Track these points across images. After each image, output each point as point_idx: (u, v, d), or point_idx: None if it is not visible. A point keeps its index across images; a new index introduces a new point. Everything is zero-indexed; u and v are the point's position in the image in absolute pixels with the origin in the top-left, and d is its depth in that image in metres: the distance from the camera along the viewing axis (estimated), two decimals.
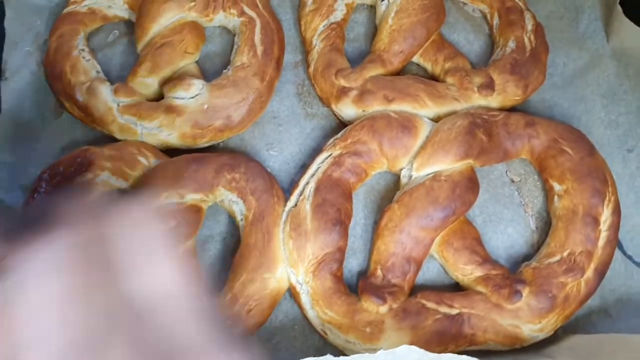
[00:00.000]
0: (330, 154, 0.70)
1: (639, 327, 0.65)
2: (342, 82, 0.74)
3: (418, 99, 0.72)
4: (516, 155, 0.71)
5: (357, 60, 0.78)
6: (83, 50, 0.77)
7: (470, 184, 0.67)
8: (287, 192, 0.71)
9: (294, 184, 0.71)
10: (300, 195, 0.68)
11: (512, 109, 0.75)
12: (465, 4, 0.82)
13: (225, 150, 0.75)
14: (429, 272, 0.69)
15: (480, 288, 0.64)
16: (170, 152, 0.73)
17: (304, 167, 0.73)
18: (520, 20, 0.77)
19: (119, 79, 0.78)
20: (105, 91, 0.73)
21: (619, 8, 0.74)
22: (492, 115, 0.71)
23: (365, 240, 0.71)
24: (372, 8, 0.81)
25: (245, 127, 0.75)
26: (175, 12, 0.76)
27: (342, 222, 0.67)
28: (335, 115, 0.76)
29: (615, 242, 0.67)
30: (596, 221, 0.66)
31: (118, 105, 0.72)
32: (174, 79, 0.74)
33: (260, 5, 0.78)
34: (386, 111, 0.72)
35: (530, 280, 0.64)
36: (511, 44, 0.76)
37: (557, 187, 0.69)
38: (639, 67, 0.75)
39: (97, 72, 0.76)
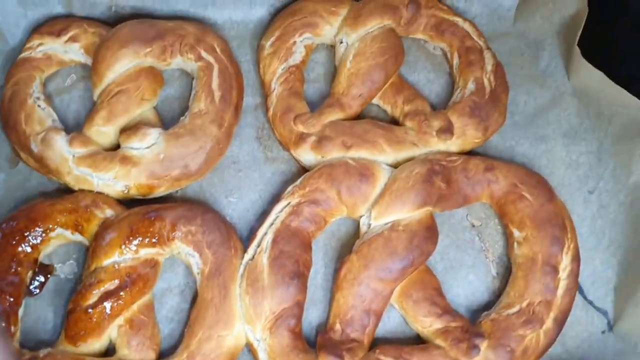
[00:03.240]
0: (289, 203, 0.69)
1: None
2: (301, 128, 0.73)
3: (376, 145, 0.72)
4: (476, 199, 0.71)
5: (318, 101, 0.78)
6: (38, 98, 0.76)
7: (428, 234, 0.67)
8: (247, 240, 0.70)
9: (253, 232, 0.70)
10: (258, 247, 0.68)
11: (472, 151, 0.75)
12: (426, 42, 0.82)
13: (183, 198, 0.75)
14: (390, 322, 0.69)
15: (439, 342, 0.64)
16: (128, 201, 0.72)
17: (264, 214, 0.72)
18: (479, 60, 0.76)
19: (76, 125, 0.78)
20: (60, 142, 0.72)
21: (577, 49, 0.74)
22: (450, 160, 0.70)
23: (325, 289, 0.70)
24: (332, 47, 0.81)
25: (203, 174, 0.74)
26: (131, 58, 0.75)
27: (300, 275, 0.66)
28: (295, 160, 0.75)
29: (575, 290, 0.66)
30: (555, 270, 0.65)
31: (73, 156, 0.71)
32: (130, 129, 0.73)
33: (218, 50, 0.77)
34: (344, 158, 0.71)
35: (489, 332, 0.64)
36: (470, 86, 0.75)
37: (516, 233, 0.69)
38: (599, 106, 0.75)
39: (53, 120, 0.75)
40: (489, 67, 0.76)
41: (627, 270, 0.69)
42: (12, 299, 0.66)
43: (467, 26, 0.79)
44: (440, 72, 0.81)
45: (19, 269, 0.67)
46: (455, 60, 0.79)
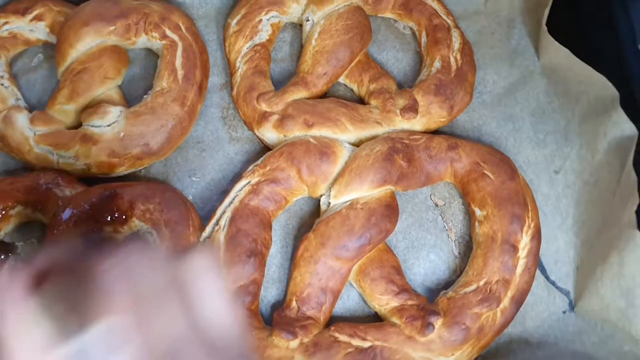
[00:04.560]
0: (249, 182, 0.69)
1: (559, 354, 0.64)
2: (264, 107, 0.72)
3: (339, 123, 0.71)
4: (439, 179, 0.70)
5: (285, 81, 0.77)
6: (2, 77, 0.76)
7: (387, 212, 0.66)
8: (202, 218, 0.70)
9: (212, 211, 0.70)
10: (216, 225, 0.67)
11: (438, 131, 0.74)
12: (395, 21, 0.81)
13: (147, 177, 0.74)
14: (349, 301, 0.68)
15: (394, 319, 0.63)
16: (90, 180, 0.72)
17: (223, 194, 0.72)
18: (446, 38, 0.75)
19: (41, 104, 0.77)
20: (21, 120, 0.72)
21: (544, 27, 0.72)
22: (413, 139, 0.70)
23: (286, 268, 0.69)
24: (300, 27, 0.80)
25: (165, 154, 0.73)
26: (94, 37, 0.74)
27: (257, 253, 0.65)
28: (259, 139, 0.75)
29: (534, 269, 0.66)
30: (514, 248, 0.65)
31: (34, 134, 0.71)
32: (91, 107, 0.72)
33: (183, 28, 0.76)
34: (307, 136, 0.71)
35: (445, 310, 0.63)
36: (437, 64, 0.75)
37: (478, 212, 0.68)
38: (567, 85, 0.74)
39: (17, 99, 0.75)
40: (456, 45, 0.76)
41: (589, 250, 0.68)
42: None
43: (435, 4, 0.78)
44: (409, 51, 0.80)
45: None
46: (423, 39, 0.78)
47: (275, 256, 0.70)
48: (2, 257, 0.70)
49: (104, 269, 0.37)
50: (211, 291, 0.39)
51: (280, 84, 0.77)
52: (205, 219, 0.70)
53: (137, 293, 0.36)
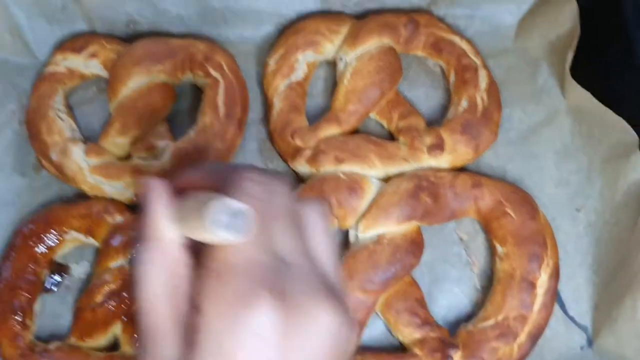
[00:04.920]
0: None
1: None
2: (298, 142, 0.77)
3: (367, 160, 0.75)
4: (463, 215, 0.74)
5: (319, 116, 0.82)
6: (60, 110, 0.82)
7: (412, 247, 0.70)
8: None
9: None
10: None
11: (463, 168, 0.78)
12: (426, 58, 0.84)
13: None
14: (375, 330, 0.72)
15: (416, 350, 0.67)
16: (136, 207, 0.78)
17: None
18: (474, 78, 0.79)
19: (95, 135, 0.84)
20: (77, 152, 0.78)
21: (567, 70, 0.75)
22: (439, 176, 0.73)
23: None
24: (334, 64, 0.84)
25: None
26: (144, 75, 0.80)
27: None
28: (293, 171, 0.79)
29: (551, 306, 0.69)
30: (532, 286, 0.68)
31: (89, 165, 0.77)
32: (140, 141, 0.78)
33: (225, 67, 0.82)
34: (337, 172, 0.75)
35: (464, 343, 0.67)
36: (464, 103, 0.78)
37: (499, 249, 0.71)
38: (590, 126, 0.76)
39: (73, 131, 0.81)
40: (483, 85, 0.79)
41: (606, 289, 0.70)
42: (28, 296, 0.73)
43: (464, 44, 0.81)
44: (438, 88, 0.84)
45: (36, 268, 0.74)
46: (452, 78, 0.81)
47: None
48: (58, 277, 0.77)
49: (246, 176, 0.40)
50: (324, 236, 0.43)
51: (315, 118, 0.81)
52: None
53: (268, 203, 0.40)
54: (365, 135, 0.78)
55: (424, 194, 0.71)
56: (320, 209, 0.43)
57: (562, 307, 0.71)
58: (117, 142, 0.79)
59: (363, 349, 0.69)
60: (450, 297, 0.73)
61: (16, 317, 0.72)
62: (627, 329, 0.65)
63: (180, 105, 0.85)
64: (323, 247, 0.42)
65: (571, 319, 0.71)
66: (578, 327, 0.71)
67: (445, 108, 0.82)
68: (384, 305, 0.70)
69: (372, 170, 0.75)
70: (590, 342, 0.70)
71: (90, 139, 0.83)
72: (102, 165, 0.77)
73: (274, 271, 0.38)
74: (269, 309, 0.36)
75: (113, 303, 0.71)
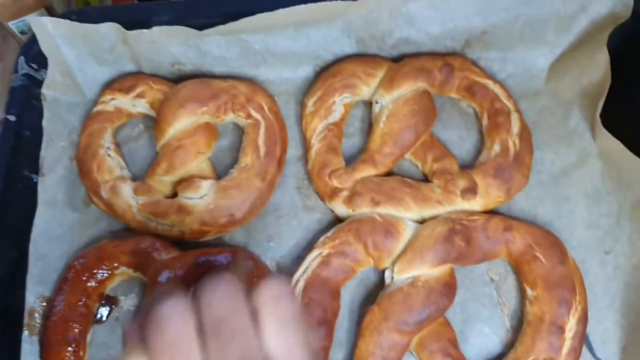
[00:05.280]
0: (320, 253, 0.77)
1: None
2: (335, 183, 0.81)
3: (403, 202, 0.78)
4: (494, 257, 0.76)
5: (354, 155, 0.85)
6: (109, 148, 0.87)
7: (445, 290, 0.73)
8: None
9: (287, 277, 0.78)
10: None
11: (495, 209, 0.80)
12: (459, 99, 0.87)
13: (231, 241, 0.84)
14: None
15: None
16: (180, 242, 0.82)
17: (298, 260, 0.80)
18: (506, 123, 0.81)
19: (141, 170, 0.88)
20: (126, 190, 0.82)
21: (597, 118, 0.77)
22: (472, 220, 0.76)
23: (351, 333, 0.77)
24: (370, 104, 0.87)
25: (247, 221, 0.82)
26: (189, 116, 0.84)
27: (327, 322, 0.74)
28: (330, 209, 0.83)
29: (580, 349, 0.71)
30: (561, 330, 0.70)
31: (137, 203, 0.82)
32: (186, 181, 0.82)
33: (265, 108, 0.85)
34: (373, 213, 0.78)
35: None
36: (496, 147, 0.81)
37: (529, 292, 0.74)
38: (620, 170, 0.78)
39: (122, 169, 0.86)
40: (515, 129, 0.81)
41: (635, 332, 0.72)
42: (81, 328, 0.78)
43: (497, 89, 0.84)
44: (471, 130, 0.86)
45: (87, 301, 0.79)
46: (485, 121, 0.84)
47: (342, 321, 0.77)
48: (108, 309, 0.82)
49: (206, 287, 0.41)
50: (284, 317, 0.41)
51: (351, 157, 0.85)
52: None
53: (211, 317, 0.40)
54: (400, 178, 0.81)
55: (458, 238, 0.74)
56: (278, 287, 0.42)
57: (590, 349, 0.74)
58: (163, 180, 0.84)
59: None
60: (481, 337, 0.76)
61: (70, 349, 0.77)
62: None
63: (220, 143, 0.89)
64: (281, 340, 0.40)
65: None
66: None
67: (477, 149, 0.85)
68: (417, 345, 0.73)
69: (407, 213, 0.78)
70: None
71: (136, 175, 0.87)
72: (150, 203, 0.82)
73: None
74: None
75: None
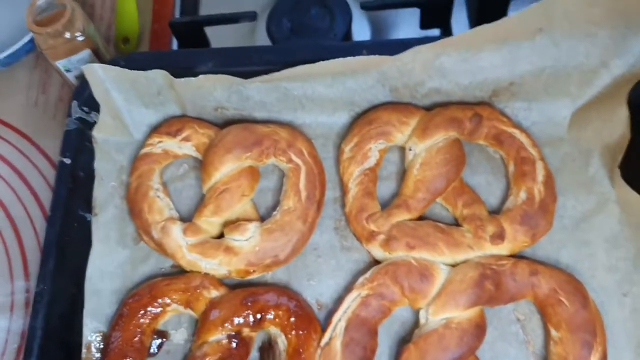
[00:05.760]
0: (359, 294, 0.83)
1: None
2: (372, 227, 0.86)
3: (436, 247, 0.84)
4: (521, 298, 0.83)
5: (389, 198, 0.91)
6: (158, 189, 0.92)
7: (477, 331, 0.79)
8: (323, 322, 0.85)
9: (329, 316, 0.84)
10: (333, 332, 0.82)
11: (520, 252, 0.86)
12: (487, 145, 0.93)
13: (273, 279, 0.89)
14: None
15: None
16: (229, 280, 0.88)
17: (338, 300, 0.86)
18: (532, 171, 0.87)
19: (187, 209, 0.94)
20: (176, 231, 0.88)
21: (617, 170, 0.83)
22: (500, 264, 0.82)
23: None
24: (403, 149, 0.93)
25: (289, 261, 0.88)
26: (234, 161, 0.90)
27: (367, 359, 0.80)
28: (368, 251, 0.89)
29: None
30: None
31: (187, 243, 0.88)
32: (232, 223, 0.88)
33: (305, 153, 0.91)
34: (408, 257, 0.84)
35: None
36: (522, 195, 0.86)
37: (553, 333, 0.80)
38: (638, 217, 0.84)
39: (170, 209, 0.92)
40: (539, 177, 0.87)
41: None
42: None
43: (523, 138, 0.90)
44: (498, 175, 0.92)
45: (141, 337, 0.85)
46: (511, 168, 0.90)
47: (379, 357, 0.83)
48: (159, 342, 0.88)
49: None
50: None
51: (385, 199, 0.91)
52: (319, 319, 0.85)
53: None
54: (433, 223, 0.87)
55: (488, 282, 0.80)
56: None
57: None
58: (211, 221, 0.89)
59: None
60: None
61: None
62: None
63: (262, 184, 0.94)
64: None
65: None
66: None
67: (504, 194, 0.91)
68: None
69: (440, 257, 0.84)
70: None
71: (183, 213, 0.93)
72: (199, 244, 0.88)
73: None
74: None
75: None
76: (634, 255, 0.85)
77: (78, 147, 0.94)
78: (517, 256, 0.86)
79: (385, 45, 0.93)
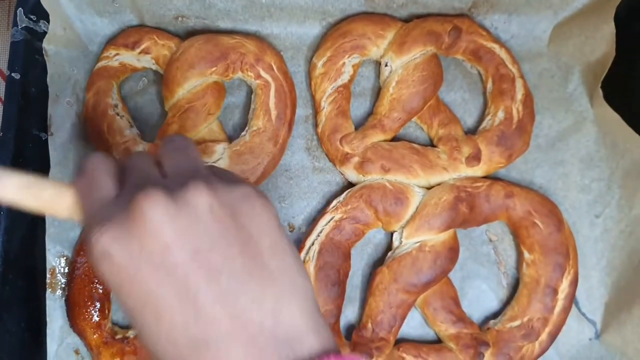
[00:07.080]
0: (332, 217, 0.81)
1: None
2: (346, 149, 0.83)
3: (411, 170, 0.82)
4: (494, 219, 0.82)
5: (362, 116, 0.88)
6: (117, 106, 0.86)
7: (450, 254, 0.79)
8: (296, 244, 0.83)
9: (302, 240, 0.83)
10: (306, 255, 0.81)
11: (495, 173, 0.85)
12: (464, 60, 0.89)
13: None
14: (413, 321, 0.82)
15: (451, 344, 0.78)
16: None
17: (310, 221, 0.84)
18: (511, 89, 0.84)
19: (149, 126, 0.89)
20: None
21: (599, 90, 0.81)
22: (475, 187, 0.81)
23: (360, 289, 0.83)
24: (378, 63, 0.89)
25: (260, 183, 0.85)
26: (198, 77, 0.84)
27: (340, 282, 0.79)
28: (341, 173, 0.86)
29: (569, 308, 0.79)
30: (555, 292, 0.78)
31: None
32: (198, 144, 0.84)
33: (275, 68, 0.86)
34: (383, 180, 0.82)
35: (493, 341, 0.77)
36: (500, 114, 0.84)
37: (526, 255, 0.81)
38: (614, 137, 0.83)
39: (131, 127, 0.86)
40: (518, 96, 0.84)
41: (617, 291, 0.81)
42: (104, 287, 0.82)
43: (503, 53, 0.86)
44: (475, 92, 0.89)
45: None
46: (489, 85, 0.86)
47: (351, 278, 0.83)
48: None
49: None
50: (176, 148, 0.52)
51: (358, 117, 0.87)
52: (293, 242, 0.84)
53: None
54: (408, 144, 0.84)
55: (463, 205, 0.79)
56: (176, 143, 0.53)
57: (576, 304, 0.82)
58: None
59: (404, 338, 0.80)
60: (478, 293, 0.83)
61: (95, 307, 0.81)
62: (632, 331, 0.76)
63: (227, 100, 0.89)
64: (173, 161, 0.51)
65: (583, 314, 0.82)
66: (588, 322, 0.82)
67: (480, 112, 0.88)
68: (422, 302, 0.80)
69: (415, 180, 0.82)
70: (597, 335, 0.81)
71: (143, 131, 0.88)
72: None
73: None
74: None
75: None
76: (608, 177, 0.84)
77: (27, 60, 0.86)
78: (492, 177, 0.85)
79: None
